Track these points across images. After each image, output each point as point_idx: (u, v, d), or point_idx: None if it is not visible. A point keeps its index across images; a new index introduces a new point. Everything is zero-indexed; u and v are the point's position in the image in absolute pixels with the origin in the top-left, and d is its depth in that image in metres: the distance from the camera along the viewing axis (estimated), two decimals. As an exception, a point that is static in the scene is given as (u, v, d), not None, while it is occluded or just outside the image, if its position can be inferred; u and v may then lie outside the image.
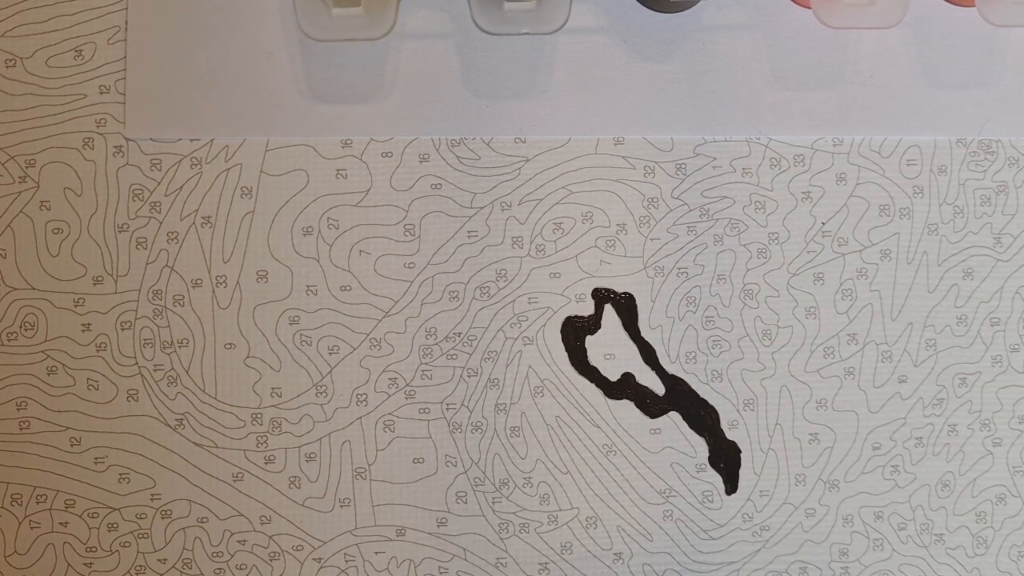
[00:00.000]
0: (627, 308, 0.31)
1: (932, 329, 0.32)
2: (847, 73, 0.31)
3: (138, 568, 0.30)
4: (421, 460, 0.31)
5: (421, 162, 0.30)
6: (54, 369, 0.29)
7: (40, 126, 0.30)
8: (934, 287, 0.32)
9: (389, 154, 0.30)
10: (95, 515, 0.30)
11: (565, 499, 0.31)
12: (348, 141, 0.30)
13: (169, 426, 0.30)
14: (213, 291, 0.30)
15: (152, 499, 0.30)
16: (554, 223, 0.31)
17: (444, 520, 0.31)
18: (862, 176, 0.31)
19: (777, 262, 0.31)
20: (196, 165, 0.30)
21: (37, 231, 0.30)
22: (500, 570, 0.31)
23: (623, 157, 0.31)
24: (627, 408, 0.31)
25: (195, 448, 0.30)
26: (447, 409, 0.30)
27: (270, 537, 0.30)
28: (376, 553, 0.31)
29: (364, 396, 0.30)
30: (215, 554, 0.30)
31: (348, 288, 0.30)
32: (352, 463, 0.30)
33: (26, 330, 0.30)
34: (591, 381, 0.31)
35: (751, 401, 0.31)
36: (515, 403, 0.31)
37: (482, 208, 0.30)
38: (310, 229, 0.30)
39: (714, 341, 0.31)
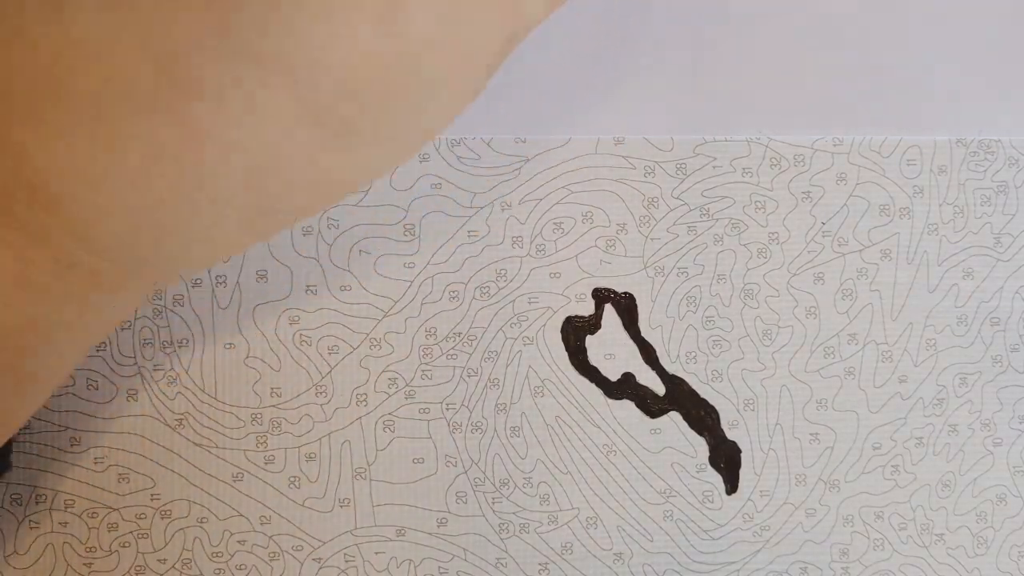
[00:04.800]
0: (627, 308, 0.31)
1: (932, 329, 0.32)
2: (847, 73, 0.31)
3: (138, 568, 0.30)
4: (421, 460, 0.30)
5: (421, 162, 0.30)
6: (54, 369, 0.29)
7: (40, 126, 0.30)
8: (934, 287, 0.32)
9: (389, 154, 0.30)
10: (95, 515, 0.30)
11: (565, 499, 0.31)
12: (348, 141, 0.30)
13: (169, 426, 0.30)
14: (213, 291, 0.30)
15: (152, 499, 0.30)
16: (554, 223, 0.31)
17: (444, 520, 0.31)
18: (862, 176, 0.31)
19: (777, 262, 0.31)
20: (196, 165, 0.30)
21: (37, 231, 0.30)
22: (500, 570, 0.31)
23: (623, 157, 0.31)
24: (627, 408, 0.31)
25: (195, 448, 0.30)
26: (447, 409, 0.30)
27: (270, 537, 0.30)
28: (376, 553, 0.31)
29: (364, 396, 0.30)
30: (215, 554, 0.30)
31: (348, 288, 0.30)
32: (352, 463, 0.30)
33: (26, 330, 0.29)
34: (591, 381, 0.31)
35: (751, 401, 0.31)
36: (515, 403, 0.31)
37: (482, 208, 0.30)
38: (310, 229, 0.30)
39: (714, 341, 0.31)
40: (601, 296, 0.31)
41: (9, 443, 0.29)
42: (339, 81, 0.18)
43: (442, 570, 0.31)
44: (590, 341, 0.31)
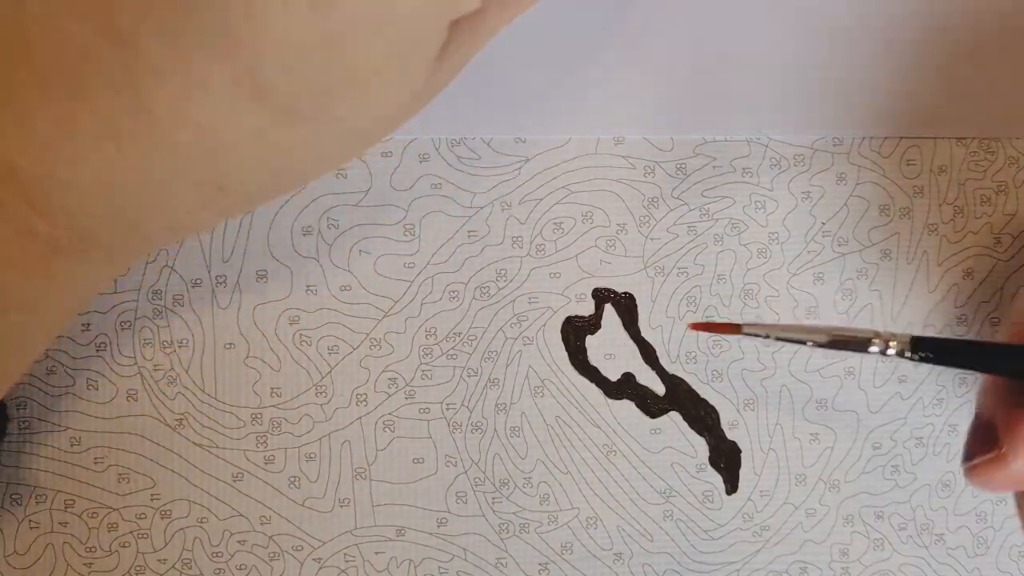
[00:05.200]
0: (627, 308, 0.31)
1: (932, 329, 0.32)
2: (847, 73, 0.31)
3: (138, 568, 0.30)
4: (421, 460, 0.30)
5: (421, 162, 0.30)
6: (54, 369, 0.29)
7: (40, 126, 0.30)
8: (934, 287, 0.32)
9: (389, 154, 0.30)
10: (95, 515, 0.30)
11: (565, 499, 0.31)
12: (348, 141, 0.30)
13: (169, 426, 0.30)
14: (213, 291, 0.30)
15: (152, 499, 0.30)
16: (554, 223, 0.31)
17: (444, 520, 0.31)
18: (862, 176, 0.31)
19: (777, 262, 0.31)
20: (196, 165, 0.30)
21: (37, 231, 0.30)
22: (500, 570, 0.31)
23: (623, 157, 0.31)
24: (627, 408, 0.31)
25: (195, 448, 0.30)
26: (447, 409, 0.30)
27: (270, 537, 0.30)
28: (376, 553, 0.31)
29: (364, 396, 0.30)
30: (215, 554, 0.30)
31: (348, 288, 0.30)
32: (352, 463, 0.30)
33: (26, 330, 0.29)
34: (591, 381, 0.31)
35: (751, 401, 0.31)
36: (515, 403, 0.31)
37: (482, 208, 0.30)
38: (310, 229, 0.30)
39: (714, 341, 0.31)
40: (601, 296, 0.31)
41: (4, 423, 0.29)
42: (278, 57, 0.19)
43: (442, 570, 0.31)
44: (590, 341, 0.31)
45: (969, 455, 0.25)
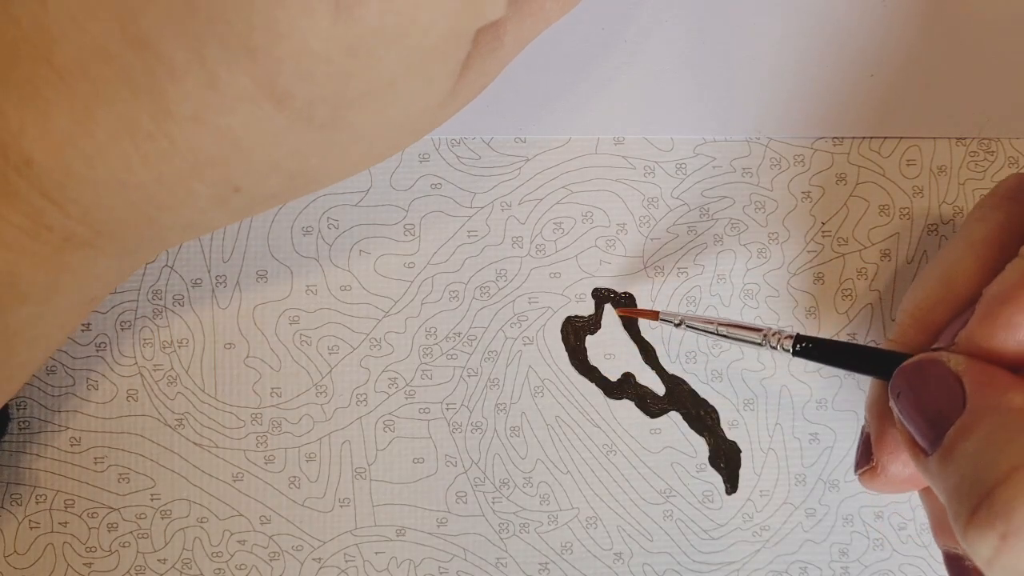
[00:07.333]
0: (627, 308, 0.31)
1: (932, 329, 0.32)
2: (847, 73, 0.31)
3: (138, 568, 0.30)
4: (421, 460, 0.31)
5: (421, 162, 0.30)
6: (54, 369, 0.29)
7: (40, 126, 0.30)
8: (934, 287, 0.32)
9: (389, 154, 0.30)
10: (95, 515, 0.30)
11: (565, 499, 0.31)
12: (348, 141, 0.30)
13: (169, 426, 0.30)
14: (213, 291, 0.30)
15: (152, 499, 0.30)
16: (554, 223, 0.31)
17: (444, 520, 0.31)
18: (862, 176, 0.31)
19: (777, 262, 0.31)
20: (196, 165, 0.30)
21: (37, 231, 0.30)
22: (500, 570, 0.31)
23: (623, 157, 0.31)
24: (627, 408, 0.31)
25: (195, 448, 0.30)
26: (447, 409, 0.30)
27: (270, 537, 0.30)
28: (376, 553, 0.31)
29: (364, 396, 0.30)
30: (215, 554, 0.30)
31: (348, 288, 0.30)
32: (352, 463, 0.30)
33: (26, 330, 0.29)
34: (591, 381, 0.31)
35: (751, 401, 0.31)
36: (515, 403, 0.31)
37: (482, 208, 0.30)
38: (310, 229, 0.30)
39: (714, 341, 0.31)
40: (601, 296, 0.31)
41: (7, 413, 0.29)
42: (298, 65, 0.19)
43: (442, 570, 0.31)
44: (590, 341, 0.31)
45: (856, 465, 0.27)
